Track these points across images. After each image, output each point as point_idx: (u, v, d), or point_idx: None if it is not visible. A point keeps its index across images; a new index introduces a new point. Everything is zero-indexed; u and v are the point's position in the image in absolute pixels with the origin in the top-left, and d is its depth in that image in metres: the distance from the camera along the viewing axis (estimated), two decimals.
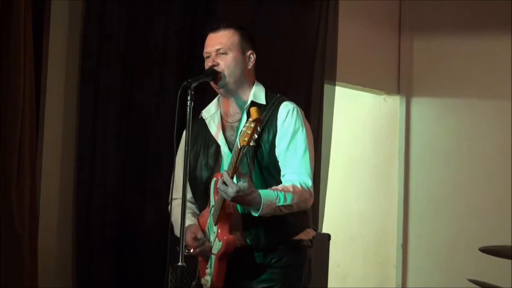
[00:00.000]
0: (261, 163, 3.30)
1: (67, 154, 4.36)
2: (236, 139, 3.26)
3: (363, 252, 6.41)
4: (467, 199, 6.14)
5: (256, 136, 2.99)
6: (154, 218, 4.43)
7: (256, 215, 3.17)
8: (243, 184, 3.09)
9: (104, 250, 4.34)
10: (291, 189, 3.22)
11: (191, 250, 3.31)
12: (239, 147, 3.04)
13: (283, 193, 3.19)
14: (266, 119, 3.32)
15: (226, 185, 3.10)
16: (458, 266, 6.02)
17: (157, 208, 4.30)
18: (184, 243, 3.09)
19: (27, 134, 3.93)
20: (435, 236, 6.23)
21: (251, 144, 3.00)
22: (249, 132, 2.97)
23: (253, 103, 3.36)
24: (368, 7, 6.08)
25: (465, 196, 6.15)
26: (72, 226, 4.32)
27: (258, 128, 2.99)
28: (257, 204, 3.14)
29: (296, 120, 3.33)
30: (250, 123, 2.97)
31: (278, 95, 3.44)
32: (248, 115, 3.23)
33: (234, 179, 3.14)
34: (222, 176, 3.13)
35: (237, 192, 3.09)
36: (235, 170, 3.12)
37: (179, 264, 3.04)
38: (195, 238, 3.33)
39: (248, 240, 3.30)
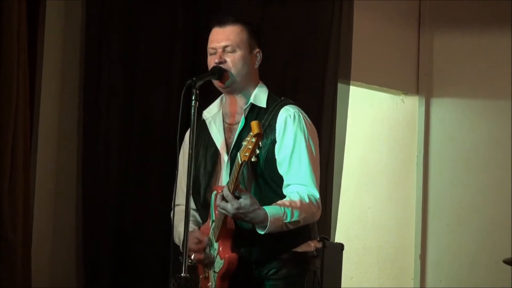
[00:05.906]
0: (256, 169, 3.31)
1: (64, 158, 4.39)
2: (233, 142, 3.35)
3: (378, 264, 6.38)
4: (491, 208, 6.11)
5: (258, 151, 3.02)
6: (157, 225, 4.46)
7: (262, 233, 3.19)
8: (244, 201, 3.13)
9: (107, 257, 4.41)
10: (298, 203, 3.24)
11: (192, 256, 3.33)
12: (240, 162, 3.06)
13: (290, 209, 3.21)
14: (267, 123, 3.35)
15: (226, 201, 3.14)
16: (480, 279, 6.01)
17: (160, 215, 4.28)
18: (187, 253, 3.10)
19: (21, 136, 3.93)
20: (456, 246, 6.20)
21: (252, 160, 3.02)
22: (250, 147, 3.00)
23: (253, 106, 3.41)
24: (385, 1, 6.07)
25: (489, 204, 6.12)
26: (74, 232, 4.38)
27: (260, 143, 3.01)
28: (261, 222, 3.17)
29: (297, 126, 3.35)
30: (251, 138, 3.01)
31: (282, 98, 3.47)
32: (247, 120, 3.36)
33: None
34: (222, 190, 3.16)
35: (237, 209, 3.13)
36: (236, 186, 3.14)
37: (182, 275, 3.05)
38: (199, 241, 3.36)
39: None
